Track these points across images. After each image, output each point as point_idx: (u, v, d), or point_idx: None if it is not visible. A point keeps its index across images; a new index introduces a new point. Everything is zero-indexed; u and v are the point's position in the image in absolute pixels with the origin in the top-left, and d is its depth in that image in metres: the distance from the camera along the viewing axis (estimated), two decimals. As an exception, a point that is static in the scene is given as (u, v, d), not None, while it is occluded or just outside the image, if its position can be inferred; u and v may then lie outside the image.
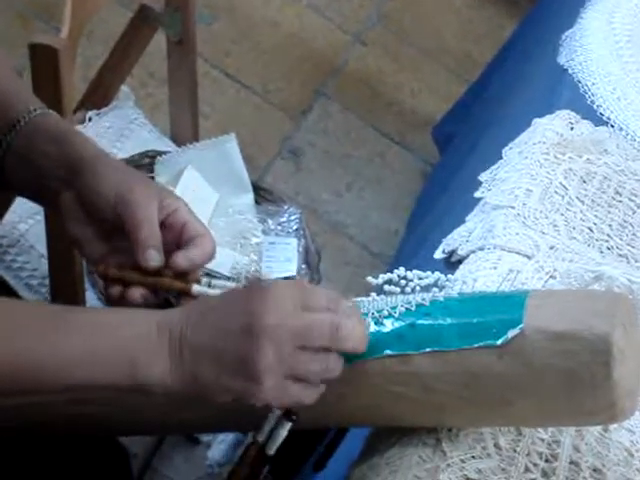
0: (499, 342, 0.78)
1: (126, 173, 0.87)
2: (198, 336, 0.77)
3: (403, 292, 0.97)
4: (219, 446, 1.34)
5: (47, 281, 1.29)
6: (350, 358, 0.80)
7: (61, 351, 0.77)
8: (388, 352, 0.80)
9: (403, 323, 0.81)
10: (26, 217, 1.34)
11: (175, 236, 0.87)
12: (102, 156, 0.88)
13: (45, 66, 1.09)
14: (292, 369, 0.76)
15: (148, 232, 0.84)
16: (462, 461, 0.81)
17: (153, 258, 0.84)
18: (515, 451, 0.83)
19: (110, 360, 0.77)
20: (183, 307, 0.81)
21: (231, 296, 0.79)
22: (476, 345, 0.78)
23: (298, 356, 0.76)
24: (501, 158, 1.14)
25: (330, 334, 0.77)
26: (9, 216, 1.31)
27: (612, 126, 1.16)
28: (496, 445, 0.83)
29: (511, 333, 0.78)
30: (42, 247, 1.28)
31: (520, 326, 0.78)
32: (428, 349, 0.79)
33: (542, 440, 0.84)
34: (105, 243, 0.88)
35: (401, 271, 0.99)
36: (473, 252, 1.02)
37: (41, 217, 1.27)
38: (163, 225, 0.86)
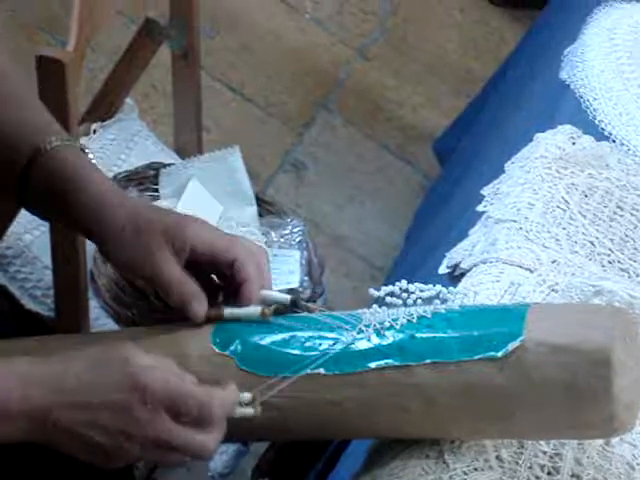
0: (499, 354, 0.79)
1: (129, 235, 0.85)
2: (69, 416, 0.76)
3: (405, 304, 0.98)
4: (221, 457, 1.34)
5: (51, 292, 1.29)
6: (351, 368, 0.80)
7: None
8: (389, 363, 0.81)
9: (404, 335, 0.82)
10: (31, 228, 1.34)
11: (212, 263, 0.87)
12: (101, 223, 0.86)
13: (51, 79, 1.10)
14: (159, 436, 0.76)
15: (177, 292, 0.84)
16: (464, 473, 0.82)
17: (196, 313, 0.85)
18: (517, 464, 0.83)
19: None
20: (48, 375, 0.77)
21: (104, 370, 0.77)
22: (476, 357, 0.79)
23: (174, 427, 0.76)
24: (503, 172, 1.14)
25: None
26: (14, 227, 1.31)
27: (614, 141, 1.17)
28: (498, 457, 0.83)
29: (511, 345, 0.79)
30: (46, 258, 1.29)
31: (520, 338, 0.79)
32: (429, 360, 0.80)
33: (544, 453, 0.84)
34: None
35: (403, 284, 0.99)
36: (476, 265, 1.02)
37: (46, 228, 1.27)
38: (194, 257, 0.86)
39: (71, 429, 0.76)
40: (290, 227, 1.37)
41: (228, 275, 0.87)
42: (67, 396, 0.76)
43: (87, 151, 0.90)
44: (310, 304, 0.93)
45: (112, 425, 0.76)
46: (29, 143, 0.88)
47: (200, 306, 0.85)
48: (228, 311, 0.86)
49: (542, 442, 0.85)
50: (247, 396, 0.81)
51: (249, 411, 0.80)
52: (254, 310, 0.85)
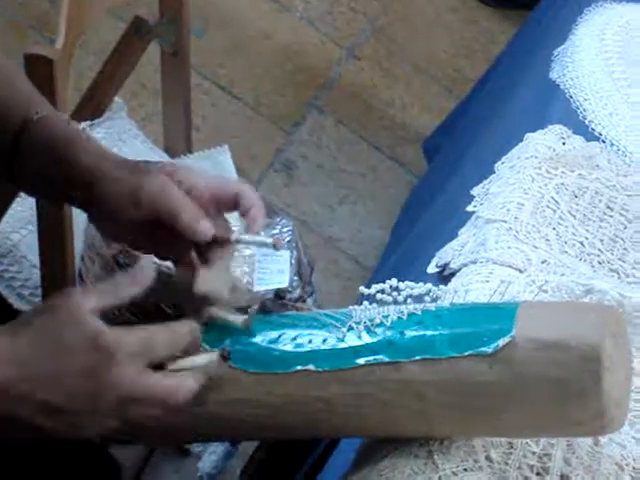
0: (490, 350, 0.79)
1: (129, 172, 0.85)
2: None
3: (395, 302, 0.98)
4: (210, 457, 1.34)
5: (39, 291, 1.29)
6: (341, 365, 0.80)
7: None
8: (379, 359, 0.81)
9: (395, 331, 0.82)
10: (19, 227, 1.34)
11: (206, 205, 0.86)
12: (100, 166, 0.86)
13: (40, 77, 1.09)
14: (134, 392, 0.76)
15: (189, 211, 0.83)
16: (454, 473, 0.82)
17: (206, 230, 0.83)
18: (507, 464, 0.83)
19: None
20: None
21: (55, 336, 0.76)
22: (467, 353, 0.79)
23: (142, 375, 0.76)
24: (493, 172, 1.14)
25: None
26: (1, 226, 1.31)
27: (603, 141, 1.17)
28: (488, 458, 0.83)
29: (502, 341, 0.79)
30: (34, 257, 1.28)
31: (511, 334, 0.79)
32: (418, 357, 0.80)
33: (533, 453, 0.84)
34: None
35: (393, 282, 0.99)
36: (465, 265, 1.02)
37: (33, 227, 1.27)
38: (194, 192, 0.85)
39: (38, 400, 0.75)
40: (280, 227, 1.37)
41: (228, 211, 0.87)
42: (27, 366, 0.75)
43: (73, 122, 0.91)
44: (299, 304, 0.93)
45: (81, 390, 0.75)
46: (19, 115, 0.88)
47: (209, 224, 0.84)
48: (213, 311, 0.86)
49: (531, 442, 0.85)
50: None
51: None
52: (234, 318, 0.85)
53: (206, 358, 0.81)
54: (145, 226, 0.86)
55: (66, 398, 0.75)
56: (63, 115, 0.91)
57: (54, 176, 0.87)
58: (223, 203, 0.88)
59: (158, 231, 0.86)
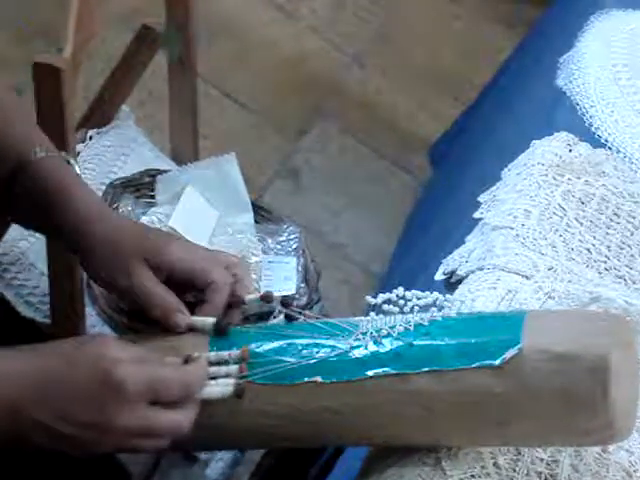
0: (497, 362, 0.79)
1: (112, 246, 0.87)
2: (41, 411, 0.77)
3: (402, 312, 0.98)
4: (217, 464, 1.34)
5: (47, 299, 1.29)
6: (348, 376, 0.80)
7: None
8: (386, 371, 0.81)
9: (402, 342, 0.82)
10: (27, 235, 1.34)
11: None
12: (88, 227, 0.87)
13: (48, 85, 1.10)
14: (141, 427, 0.77)
15: (159, 304, 0.85)
16: (461, 480, 0.82)
17: (179, 323, 0.86)
18: (514, 470, 0.83)
19: None
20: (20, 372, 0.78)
21: (77, 368, 0.78)
22: (474, 365, 0.79)
23: (148, 413, 0.77)
24: (499, 179, 1.15)
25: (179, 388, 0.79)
26: (10, 234, 1.31)
27: (610, 148, 1.17)
28: (495, 464, 0.83)
29: (509, 353, 0.79)
30: (42, 265, 1.29)
31: (518, 346, 0.79)
32: (426, 368, 0.80)
33: (541, 460, 0.84)
34: None
35: (400, 291, 0.99)
36: (472, 272, 1.02)
37: (41, 235, 1.27)
38: (172, 277, 0.87)
39: (46, 425, 0.76)
40: (286, 234, 1.37)
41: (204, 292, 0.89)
42: (38, 390, 0.77)
43: (72, 162, 0.91)
44: (306, 311, 0.93)
45: (85, 419, 0.76)
46: (14, 155, 0.89)
47: (182, 316, 0.86)
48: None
49: (539, 449, 0.85)
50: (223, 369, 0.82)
51: (220, 388, 0.81)
52: (225, 388, 0.84)
53: (220, 392, 0.81)
54: None
55: (72, 426, 0.76)
56: (62, 154, 0.91)
57: (43, 222, 0.89)
58: (197, 287, 0.89)
59: None
